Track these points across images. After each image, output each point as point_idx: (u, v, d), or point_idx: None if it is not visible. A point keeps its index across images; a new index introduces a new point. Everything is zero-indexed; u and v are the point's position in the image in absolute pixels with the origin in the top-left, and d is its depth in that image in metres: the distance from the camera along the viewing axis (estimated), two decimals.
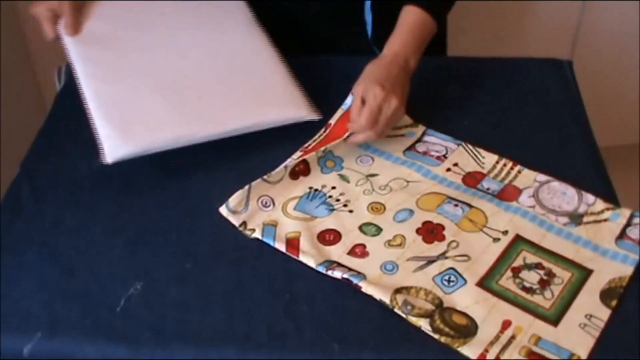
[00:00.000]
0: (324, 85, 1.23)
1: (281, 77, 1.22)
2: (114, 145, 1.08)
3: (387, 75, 1.12)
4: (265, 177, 1.09)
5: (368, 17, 1.32)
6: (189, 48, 1.24)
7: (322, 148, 1.13)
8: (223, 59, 1.23)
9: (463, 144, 1.16)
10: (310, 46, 1.31)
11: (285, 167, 1.10)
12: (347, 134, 1.12)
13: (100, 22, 1.24)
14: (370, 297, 0.93)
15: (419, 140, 1.18)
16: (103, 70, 1.18)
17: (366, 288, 0.94)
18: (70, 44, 1.21)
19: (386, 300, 0.92)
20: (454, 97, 1.27)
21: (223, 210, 1.05)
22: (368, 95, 1.10)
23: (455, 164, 1.13)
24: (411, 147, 1.16)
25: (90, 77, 1.16)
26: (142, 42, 1.24)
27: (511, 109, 1.25)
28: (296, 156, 1.12)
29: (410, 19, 1.18)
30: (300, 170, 1.12)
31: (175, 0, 1.31)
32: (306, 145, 1.15)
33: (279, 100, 1.19)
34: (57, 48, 1.22)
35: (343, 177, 1.12)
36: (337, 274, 0.96)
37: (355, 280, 0.94)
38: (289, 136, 1.16)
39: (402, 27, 1.18)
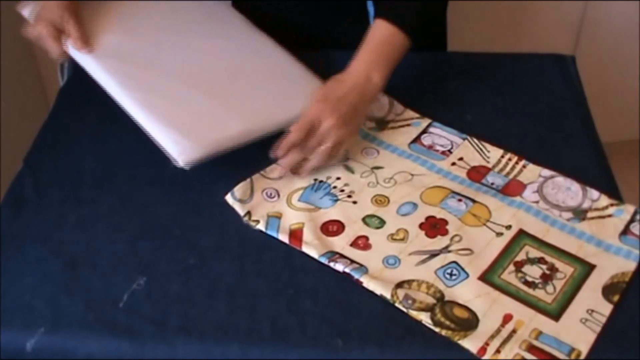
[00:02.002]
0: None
1: (303, 71, 1.23)
2: (185, 149, 1.05)
3: (333, 90, 1.09)
4: (262, 172, 1.10)
5: (370, 9, 1.32)
6: (205, 53, 1.23)
7: None
8: (239, 60, 1.23)
9: (468, 138, 1.16)
10: (313, 42, 1.31)
11: (279, 164, 1.10)
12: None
13: (108, 35, 1.20)
14: (373, 292, 0.93)
15: (425, 131, 1.18)
16: (136, 79, 1.14)
17: (367, 283, 0.94)
18: (88, 59, 1.16)
19: (387, 295, 0.92)
20: (457, 92, 1.27)
21: (229, 198, 1.06)
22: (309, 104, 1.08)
23: (461, 159, 1.13)
24: (417, 140, 1.17)
25: (127, 89, 1.12)
26: (157, 49, 1.21)
27: (514, 105, 1.25)
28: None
29: (378, 34, 1.15)
30: None
31: (170, 6, 1.30)
32: None
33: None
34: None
35: (348, 168, 1.12)
36: (339, 266, 0.96)
37: (356, 275, 0.95)
38: None
39: (367, 43, 1.14)
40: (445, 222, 1.03)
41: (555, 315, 0.91)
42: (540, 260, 0.98)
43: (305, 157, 1.09)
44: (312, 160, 1.08)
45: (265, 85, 1.19)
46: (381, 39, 1.14)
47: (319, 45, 1.32)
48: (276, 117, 1.13)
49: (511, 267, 0.97)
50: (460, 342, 0.87)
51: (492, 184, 1.09)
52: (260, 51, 1.26)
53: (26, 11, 1.23)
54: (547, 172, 1.10)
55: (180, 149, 1.05)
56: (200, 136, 1.07)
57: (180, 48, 1.22)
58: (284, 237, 1.01)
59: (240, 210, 1.05)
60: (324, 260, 0.97)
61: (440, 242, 1.00)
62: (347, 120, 1.07)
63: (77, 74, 1.16)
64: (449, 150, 1.15)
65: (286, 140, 1.07)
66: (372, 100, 1.13)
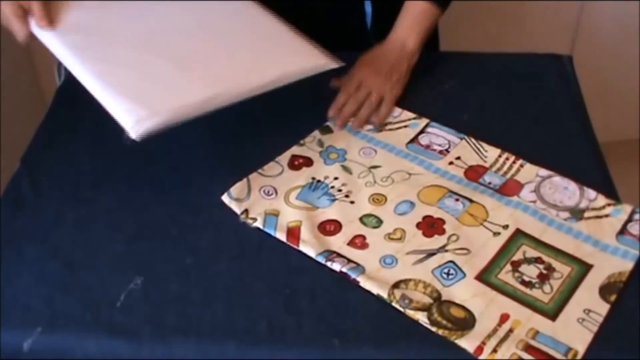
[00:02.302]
0: (323, 79, 1.22)
1: (288, 32, 1.18)
2: (138, 118, 0.97)
3: (374, 55, 1.26)
4: (260, 170, 1.10)
5: (368, 8, 1.32)
6: (172, 17, 1.18)
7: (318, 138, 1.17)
8: (219, 22, 1.18)
9: (466, 137, 1.16)
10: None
11: (276, 162, 1.12)
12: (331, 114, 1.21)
13: (76, 12, 1.15)
14: (370, 291, 0.93)
15: (422, 131, 1.18)
16: (96, 52, 1.08)
17: (364, 283, 0.94)
18: (50, 37, 1.11)
19: (384, 294, 0.92)
20: (454, 92, 1.28)
21: (225, 198, 1.06)
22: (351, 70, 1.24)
23: (458, 158, 1.13)
24: (414, 140, 1.17)
25: (86, 61, 1.07)
26: (125, 21, 1.16)
27: (511, 104, 1.25)
28: (288, 153, 1.15)
29: (412, 10, 1.27)
30: (302, 163, 1.12)
31: None
32: (302, 142, 1.17)
33: (296, 53, 1.15)
34: None
35: (346, 169, 1.12)
36: (336, 266, 0.96)
37: (353, 275, 0.95)
38: (290, 132, 1.17)
39: (403, 18, 1.27)
40: (443, 221, 1.03)
41: (552, 315, 0.91)
42: (537, 260, 0.98)
43: (357, 109, 1.21)
44: (363, 110, 1.21)
45: (243, 49, 1.13)
46: (415, 14, 1.27)
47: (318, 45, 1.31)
48: (246, 83, 1.07)
49: (508, 267, 0.97)
50: (457, 341, 0.88)
51: (490, 183, 1.09)
52: (244, 14, 1.20)
53: None
54: (544, 172, 1.10)
55: (133, 119, 0.97)
56: (157, 104, 1.00)
57: (146, 15, 1.17)
58: (281, 235, 1.01)
59: (237, 209, 1.05)
60: (321, 260, 0.97)
61: (437, 241, 1.00)
62: (388, 76, 1.23)
63: (67, 70, 1.16)
64: (447, 150, 1.15)
65: (335, 102, 1.22)
66: (409, 60, 1.26)
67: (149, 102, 1.00)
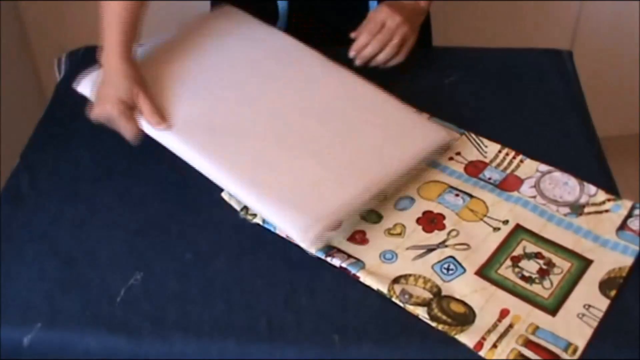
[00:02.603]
0: None
1: (400, 107, 1.15)
2: (305, 228, 0.96)
3: (393, 3, 1.25)
4: None
5: (373, 6, 1.32)
6: (292, 104, 1.13)
7: None
8: (331, 101, 1.14)
9: (466, 132, 1.16)
10: (314, 39, 1.31)
11: None
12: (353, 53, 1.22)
13: (179, 102, 1.10)
14: (369, 287, 0.93)
15: None
16: (227, 152, 1.05)
17: (364, 278, 0.94)
18: (167, 135, 1.07)
19: (384, 290, 0.93)
20: (454, 87, 1.27)
21: (225, 195, 1.06)
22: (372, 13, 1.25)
23: (458, 153, 1.13)
24: None
25: (222, 166, 1.03)
26: (238, 109, 1.11)
27: (511, 100, 1.25)
28: None
29: None
30: None
31: (231, 53, 1.21)
32: None
33: (421, 131, 1.13)
34: (57, 38, 1.21)
35: None
36: (336, 261, 0.96)
37: (353, 270, 0.95)
38: None
39: None
40: (443, 216, 1.03)
41: (552, 310, 0.91)
42: (537, 255, 0.98)
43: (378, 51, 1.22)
44: (383, 53, 1.22)
45: (363, 132, 1.10)
46: None
47: (323, 44, 1.32)
48: (395, 165, 1.05)
49: (508, 262, 0.97)
50: (456, 336, 0.88)
51: (490, 178, 1.09)
52: (351, 92, 1.17)
53: (86, 89, 1.14)
54: (544, 167, 1.10)
55: (300, 229, 0.96)
56: (318, 208, 0.98)
57: (262, 102, 1.12)
58: (281, 232, 1.01)
59: (236, 205, 1.05)
60: (321, 255, 0.97)
61: (437, 236, 1.00)
62: (407, 21, 1.23)
63: (74, 69, 1.16)
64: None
65: (357, 42, 1.22)
66: (421, 17, 1.30)
67: (309, 208, 0.98)
